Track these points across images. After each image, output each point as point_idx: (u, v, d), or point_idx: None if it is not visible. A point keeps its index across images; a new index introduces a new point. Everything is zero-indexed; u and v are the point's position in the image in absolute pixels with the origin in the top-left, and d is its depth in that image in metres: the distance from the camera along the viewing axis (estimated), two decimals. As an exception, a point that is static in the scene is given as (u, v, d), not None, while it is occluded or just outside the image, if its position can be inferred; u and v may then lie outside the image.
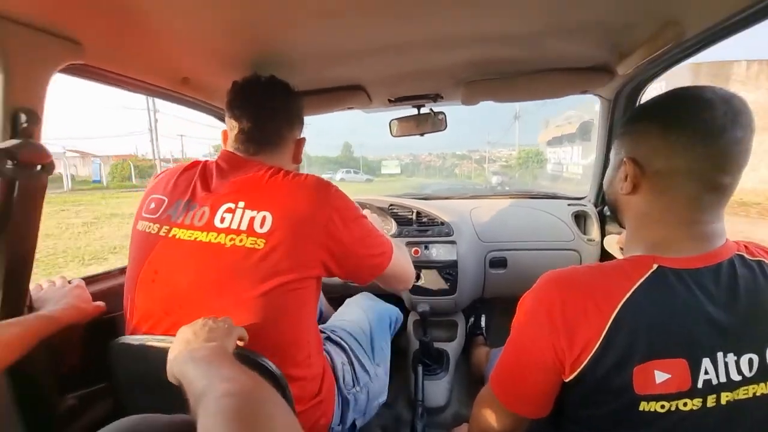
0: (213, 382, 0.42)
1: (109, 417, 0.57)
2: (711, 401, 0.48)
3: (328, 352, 0.91)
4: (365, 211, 1.35)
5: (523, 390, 0.58)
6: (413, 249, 1.56)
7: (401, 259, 0.89)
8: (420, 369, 1.28)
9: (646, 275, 0.51)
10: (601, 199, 1.57)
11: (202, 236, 0.69)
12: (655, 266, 0.51)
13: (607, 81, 1.09)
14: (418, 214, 1.63)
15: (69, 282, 0.82)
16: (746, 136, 0.50)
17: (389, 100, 1.31)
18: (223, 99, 1.17)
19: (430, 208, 1.63)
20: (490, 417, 0.63)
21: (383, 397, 1.04)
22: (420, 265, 1.55)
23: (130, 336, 0.69)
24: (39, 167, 0.65)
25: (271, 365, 0.62)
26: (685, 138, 0.50)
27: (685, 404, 0.47)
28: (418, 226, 1.62)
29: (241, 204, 0.70)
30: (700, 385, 0.47)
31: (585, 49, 0.96)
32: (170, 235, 0.70)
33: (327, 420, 0.81)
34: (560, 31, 0.85)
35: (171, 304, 0.68)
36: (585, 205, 1.61)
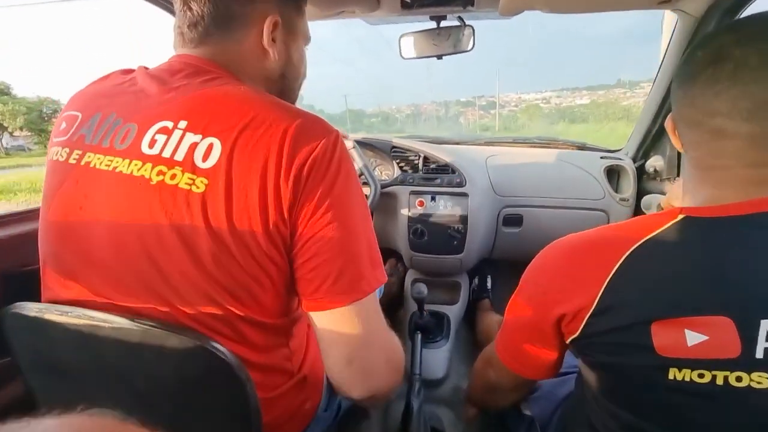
0: None
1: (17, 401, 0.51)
2: None
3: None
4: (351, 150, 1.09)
5: (526, 355, 0.56)
6: (417, 200, 1.34)
7: (378, 312, 0.53)
8: (419, 337, 1.10)
9: (669, 224, 0.43)
10: (642, 152, 1.33)
11: (123, 165, 0.48)
12: (680, 216, 0.43)
13: None
14: (426, 159, 1.39)
15: None
16: None
17: (403, 4, 0.99)
18: None
19: (439, 153, 1.38)
20: (496, 375, 0.64)
21: None
22: (424, 220, 1.35)
23: (24, 304, 0.51)
24: None
25: (224, 351, 0.43)
26: None
27: (739, 378, 0.38)
28: (424, 173, 1.38)
29: (182, 124, 0.47)
30: (760, 354, 0.38)
31: None
32: (83, 163, 0.50)
33: (313, 404, 0.64)
34: None
35: (83, 260, 0.50)
36: (621, 159, 1.37)
